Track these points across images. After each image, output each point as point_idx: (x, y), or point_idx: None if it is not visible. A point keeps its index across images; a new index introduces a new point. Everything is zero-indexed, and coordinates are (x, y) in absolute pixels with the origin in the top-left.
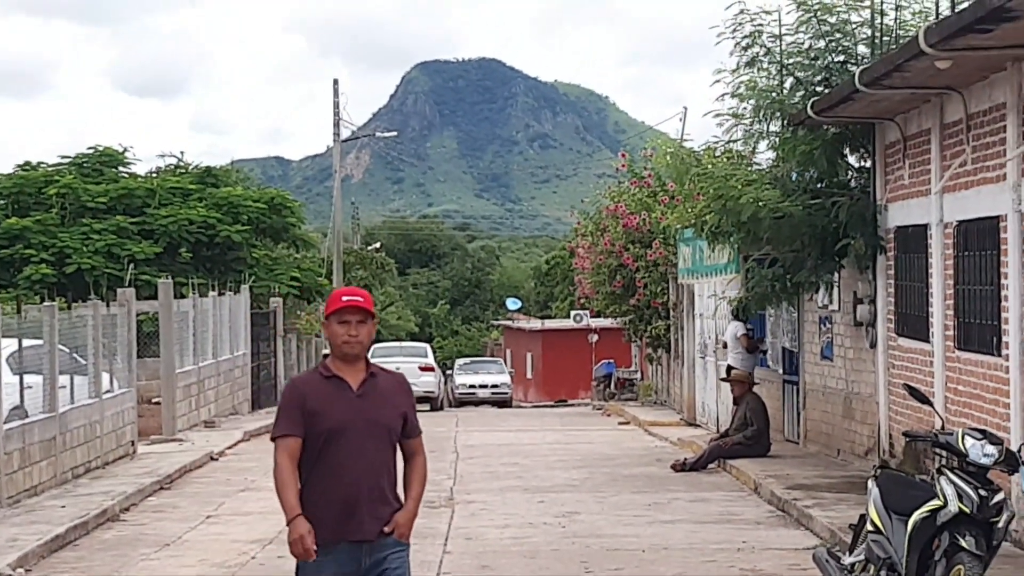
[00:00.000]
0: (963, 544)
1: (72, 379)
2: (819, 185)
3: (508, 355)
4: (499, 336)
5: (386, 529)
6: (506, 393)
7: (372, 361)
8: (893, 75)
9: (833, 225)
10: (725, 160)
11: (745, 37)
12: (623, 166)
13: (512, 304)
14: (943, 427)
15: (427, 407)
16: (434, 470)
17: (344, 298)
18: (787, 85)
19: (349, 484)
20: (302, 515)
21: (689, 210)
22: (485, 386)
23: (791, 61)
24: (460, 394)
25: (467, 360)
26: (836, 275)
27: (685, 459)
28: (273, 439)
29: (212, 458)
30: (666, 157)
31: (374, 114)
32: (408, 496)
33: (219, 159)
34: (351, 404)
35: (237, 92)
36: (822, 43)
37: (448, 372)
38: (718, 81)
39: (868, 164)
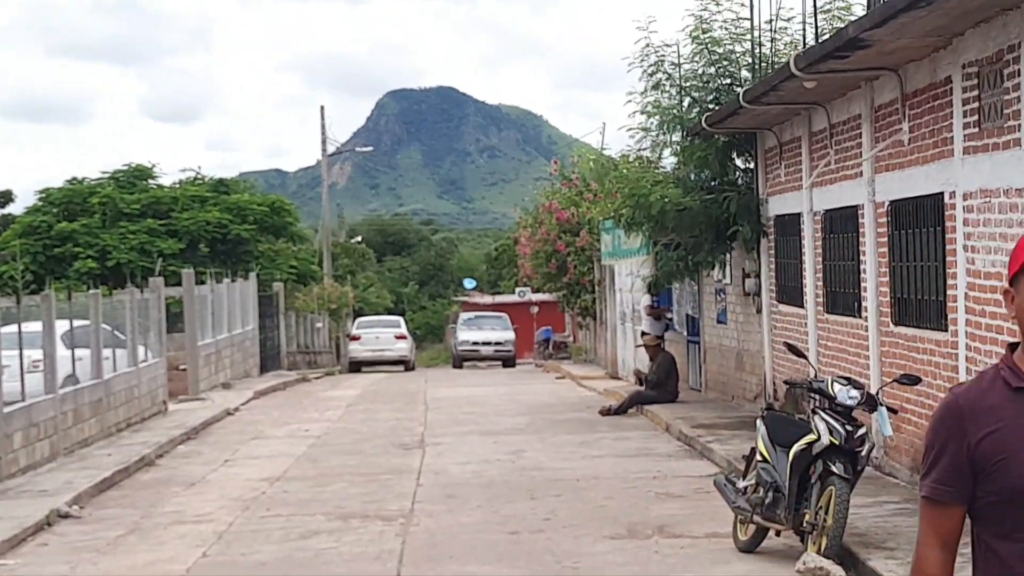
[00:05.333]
0: (834, 469)
1: (114, 352)
2: (713, 183)
3: None
4: (459, 310)
5: None
6: (510, 351)
7: (357, 332)
8: (770, 94)
9: (725, 215)
10: (637, 165)
11: (650, 66)
12: (555, 171)
13: (469, 283)
14: (816, 376)
15: (401, 368)
16: (407, 418)
17: None
18: (685, 104)
19: None
20: None
21: (609, 205)
22: (488, 343)
23: (688, 84)
24: (462, 351)
25: (471, 315)
26: (728, 255)
27: (610, 406)
28: (922, 497)
29: (228, 413)
30: (589, 163)
31: (354, 133)
32: None
33: (229, 172)
34: None
35: (243, 117)
36: (713, 69)
37: (451, 326)
38: (630, 101)
39: (752, 165)
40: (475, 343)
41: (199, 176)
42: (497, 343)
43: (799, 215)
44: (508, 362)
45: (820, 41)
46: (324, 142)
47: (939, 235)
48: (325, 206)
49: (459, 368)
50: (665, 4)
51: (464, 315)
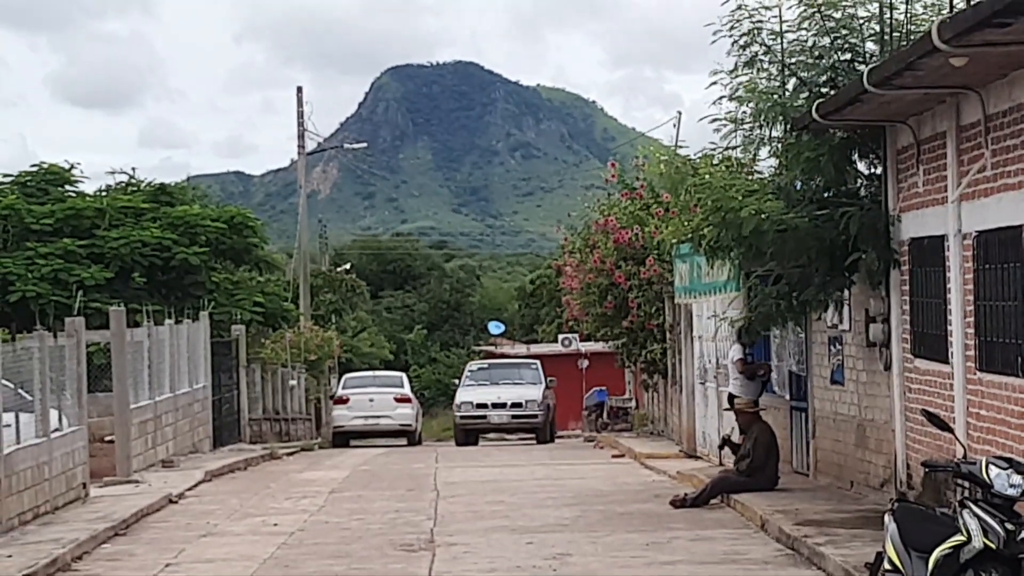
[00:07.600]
0: None
1: (17, 417)
2: (826, 195)
3: None
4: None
5: None
6: (534, 416)
7: (345, 393)
8: (904, 74)
9: (842, 238)
10: (723, 169)
11: (743, 35)
12: (613, 176)
13: (495, 328)
14: (965, 455)
15: (404, 441)
16: (412, 510)
17: None
18: (789, 86)
19: None
20: None
21: (685, 224)
22: (501, 404)
23: (793, 60)
24: (464, 419)
25: (481, 364)
26: (846, 292)
27: (685, 494)
28: None
29: (171, 501)
30: (659, 166)
31: (342, 124)
32: None
33: (174, 175)
34: None
35: (193, 102)
36: (827, 40)
37: (454, 383)
38: (715, 83)
39: (879, 171)
40: (480, 406)
41: (133, 181)
42: (515, 404)
43: (943, 238)
44: (536, 434)
45: (973, 3)
46: (302, 136)
47: None
48: (302, 222)
49: (472, 444)
50: None
51: (471, 366)
